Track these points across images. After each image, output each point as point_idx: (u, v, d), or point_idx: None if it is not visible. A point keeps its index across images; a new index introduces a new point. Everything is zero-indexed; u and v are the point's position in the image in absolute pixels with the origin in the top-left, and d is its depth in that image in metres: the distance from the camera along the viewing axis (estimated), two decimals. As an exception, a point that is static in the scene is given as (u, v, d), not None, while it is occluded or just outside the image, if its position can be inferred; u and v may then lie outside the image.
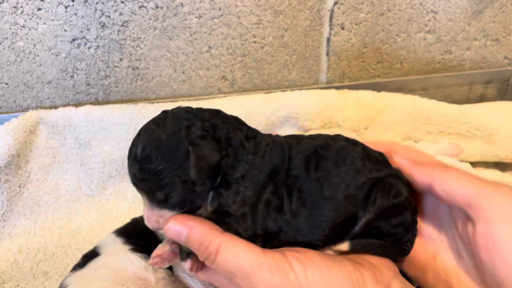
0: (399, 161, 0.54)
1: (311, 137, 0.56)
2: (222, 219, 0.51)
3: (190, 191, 0.50)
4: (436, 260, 0.54)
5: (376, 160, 0.53)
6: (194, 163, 0.48)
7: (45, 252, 0.89)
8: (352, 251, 0.53)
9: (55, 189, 0.97)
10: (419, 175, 0.53)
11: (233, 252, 0.47)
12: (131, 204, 0.99)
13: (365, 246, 0.52)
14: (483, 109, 1.13)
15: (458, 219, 0.52)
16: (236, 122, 0.55)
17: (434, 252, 0.55)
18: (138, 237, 0.77)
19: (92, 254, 0.75)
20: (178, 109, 0.54)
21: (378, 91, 1.06)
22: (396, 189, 0.51)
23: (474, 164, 1.06)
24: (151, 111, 0.98)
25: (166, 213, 0.52)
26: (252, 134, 0.54)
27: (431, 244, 0.56)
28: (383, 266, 0.51)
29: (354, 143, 0.55)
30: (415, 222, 0.55)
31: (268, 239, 0.51)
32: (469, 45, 1.17)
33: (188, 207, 0.52)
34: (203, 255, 0.48)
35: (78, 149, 0.98)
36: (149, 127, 0.52)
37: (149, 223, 0.53)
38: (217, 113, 0.55)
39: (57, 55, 0.97)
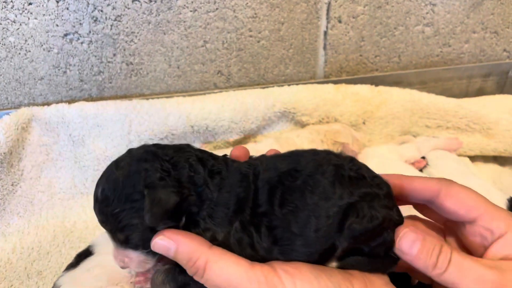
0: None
1: (283, 157, 0.52)
2: None
3: (151, 232, 0.49)
4: None
5: (349, 180, 0.48)
6: (149, 208, 0.47)
7: (39, 251, 0.88)
8: (342, 267, 0.51)
9: (49, 187, 0.96)
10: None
11: (221, 267, 0.46)
12: (126, 201, 0.98)
13: (354, 264, 0.50)
14: (482, 102, 1.12)
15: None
16: (203, 157, 0.52)
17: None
18: None
19: (85, 253, 0.74)
20: (142, 148, 0.52)
21: (376, 85, 1.05)
22: (370, 214, 0.47)
23: (473, 158, 1.06)
24: (146, 107, 0.96)
25: (130, 253, 0.51)
26: (217, 168, 0.51)
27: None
28: (373, 275, 0.50)
29: (326, 161, 0.49)
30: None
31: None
32: (467, 38, 1.16)
33: (149, 247, 0.50)
34: (191, 271, 0.48)
35: (72, 146, 0.96)
36: (110, 169, 0.51)
37: (116, 261, 0.53)
38: (181, 150, 0.52)
39: (49, 51, 0.95)
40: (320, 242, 0.47)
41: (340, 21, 1.07)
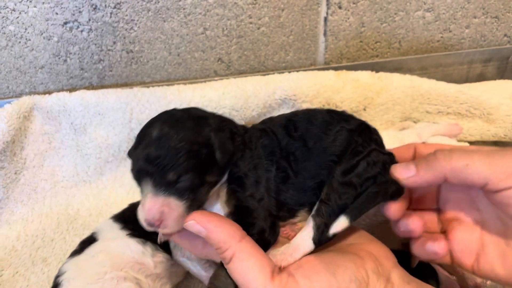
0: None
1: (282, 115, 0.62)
2: (242, 218, 0.53)
3: (202, 178, 0.51)
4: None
5: (341, 113, 0.59)
6: (219, 146, 0.51)
7: (44, 238, 0.89)
8: (353, 221, 0.52)
9: (52, 175, 0.97)
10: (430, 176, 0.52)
11: (244, 267, 0.48)
12: (129, 189, 0.99)
13: (362, 207, 0.53)
14: (482, 88, 1.12)
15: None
16: (229, 120, 0.59)
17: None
18: (135, 222, 0.76)
19: (89, 240, 0.75)
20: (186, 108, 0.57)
21: (377, 71, 1.05)
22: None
23: (473, 144, 1.06)
24: (147, 95, 0.97)
25: (172, 201, 0.51)
26: (242, 130, 0.59)
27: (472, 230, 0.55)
28: (383, 257, 0.52)
29: (318, 110, 0.61)
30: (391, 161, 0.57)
31: (281, 207, 0.55)
32: (468, 23, 1.15)
33: (192, 199, 0.51)
34: (219, 256, 0.50)
35: (74, 134, 0.97)
36: (166, 113, 0.53)
37: (150, 213, 0.50)
38: (212, 113, 0.58)
39: (49, 39, 0.95)
40: (330, 152, 0.55)
41: (340, 7, 1.06)
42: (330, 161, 0.55)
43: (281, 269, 0.49)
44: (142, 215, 0.51)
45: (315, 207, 0.54)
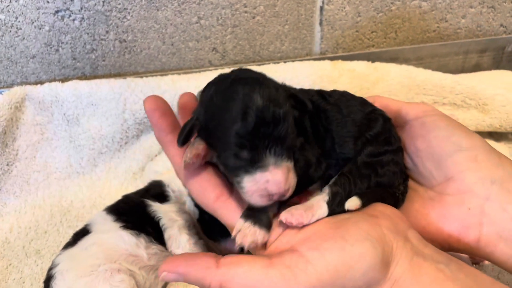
0: None
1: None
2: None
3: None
4: None
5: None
6: (303, 97, 0.51)
7: (37, 230, 0.88)
8: (363, 206, 0.52)
9: (45, 166, 0.96)
10: None
11: (239, 281, 0.45)
12: (123, 181, 0.98)
13: (371, 199, 0.53)
14: (478, 78, 1.11)
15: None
16: None
17: None
18: (129, 214, 0.77)
19: (83, 232, 0.74)
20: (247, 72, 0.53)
21: (373, 61, 1.04)
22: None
23: (468, 134, 1.05)
24: (140, 85, 0.95)
25: (290, 165, 0.48)
26: None
27: None
28: (397, 217, 0.51)
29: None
30: (402, 173, 0.57)
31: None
32: (465, 12, 1.15)
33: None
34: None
35: (67, 125, 0.96)
36: (244, 80, 0.49)
37: (283, 184, 0.47)
38: None
39: (40, 28, 0.93)
40: (360, 121, 0.56)
41: (336, -4, 1.05)
42: (362, 136, 0.55)
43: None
44: (270, 189, 0.47)
45: (333, 179, 0.53)
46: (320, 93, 0.59)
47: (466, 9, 1.15)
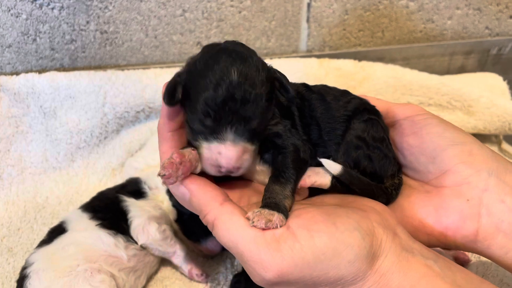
0: None
1: None
2: (273, 143, 0.54)
3: (268, 121, 0.52)
4: None
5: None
6: (286, 81, 0.52)
7: (9, 227, 0.85)
8: (341, 177, 0.53)
9: (19, 161, 0.92)
10: None
11: (228, 228, 0.46)
12: (102, 177, 0.95)
13: (354, 178, 0.54)
14: (464, 80, 1.12)
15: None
16: None
17: None
18: (104, 211, 0.74)
19: (59, 230, 0.72)
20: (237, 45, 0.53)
21: (359, 60, 1.04)
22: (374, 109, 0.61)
23: (453, 136, 1.06)
24: (121, 78, 0.93)
25: (248, 148, 0.50)
26: None
27: None
28: (387, 213, 0.51)
29: None
30: (396, 163, 0.59)
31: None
32: (451, 14, 1.15)
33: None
34: (203, 222, 0.49)
35: (43, 118, 0.92)
36: (229, 51, 0.50)
37: (231, 162, 0.49)
38: None
39: (17, 16, 0.89)
40: (345, 108, 0.58)
41: (324, -7, 1.04)
42: (346, 116, 0.57)
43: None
44: (220, 161, 0.49)
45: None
46: (304, 85, 0.61)
47: (453, 10, 1.14)
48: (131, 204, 0.75)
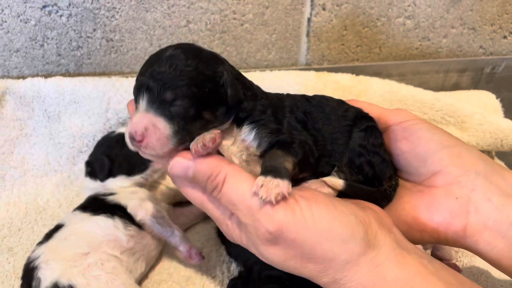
0: None
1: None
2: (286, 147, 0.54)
3: (198, 111, 0.50)
4: None
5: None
6: (231, 83, 0.52)
7: (10, 228, 0.86)
8: (345, 191, 0.56)
9: (22, 163, 0.94)
10: None
11: (238, 181, 0.48)
12: (102, 180, 0.96)
13: (357, 189, 0.56)
14: (458, 96, 1.14)
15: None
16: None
17: None
18: (95, 204, 0.77)
19: (55, 228, 0.74)
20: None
21: (356, 74, 1.06)
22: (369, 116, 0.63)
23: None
24: (125, 85, 0.95)
25: (160, 121, 0.50)
26: (257, 88, 0.61)
27: None
28: (383, 215, 0.54)
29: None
30: (392, 165, 0.62)
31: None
32: (446, 32, 1.18)
33: (182, 128, 0.50)
34: (211, 186, 0.50)
35: (47, 122, 0.94)
36: (188, 43, 0.53)
37: (134, 127, 0.49)
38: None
39: (26, 22, 0.92)
40: (345, 118, 0.61)
41: (324, 9, 1.07)
42: (348, 126, 0.60)
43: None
44: (127, 130, 0.51)
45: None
46: (304, 96, 0.63)
47: (448, 29, 1.18)
48: (122, 192, 0.79)
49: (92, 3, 0.93)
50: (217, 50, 1.05)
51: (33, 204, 0.91)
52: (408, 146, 0.61)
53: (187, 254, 0.75)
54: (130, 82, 0.95)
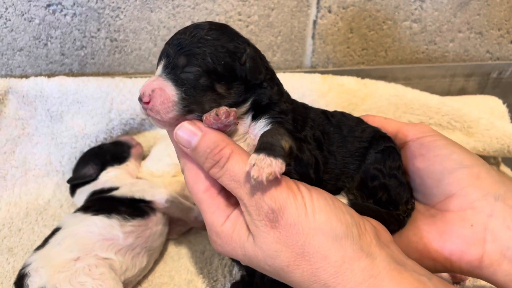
0: None
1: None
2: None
3: (211, 83, 0.50)
4: None
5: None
6: (252, 58, 0.51)
7: (11, 228, 0.85)
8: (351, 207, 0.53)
9: (23, 162, 0.93)
10: None
11: (244, 160, 0.47)
12: (104, 181, 0.96)
13: (363, 207, 0.54)
14: (464, 101, 1.13)
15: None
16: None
17: None
18: (97, 204, 0.77)
19: (53, 232, 0.73)
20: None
21: (362, 78, 1.05)
22: (387, 137, 0.61)
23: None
24: (129, 85, 0.94)
25: (168, 85, 0.49)
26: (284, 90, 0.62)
27: None
28: (382, 230, 0.52)
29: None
30: (409, 188, 0.59)
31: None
32: (453, 36, 1.17)
33: (191, 95, 0.49)
34: (214, 158, 0.48)
35: (50, 121, 0.94)
36: (209, 24, 0.52)
37: (144, 89, 0.49)
38: None
39: (30, 21, 0.91)
40: (361, 140, 0.59)
41: (330, 11, 1.06)
42: (363, 149, 0.58)
43: None
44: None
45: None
46: (323, 112, 0.61)
47: (455, 33, 1.17)
48: (124, 185, 0.80)
49: (96, 2, 0.92)
50: (221, 51, 1.04)
51: (34, 204, 0.91)
52: (423, 164, 0.57)
53: None
54: (133, 83, 0.95)
